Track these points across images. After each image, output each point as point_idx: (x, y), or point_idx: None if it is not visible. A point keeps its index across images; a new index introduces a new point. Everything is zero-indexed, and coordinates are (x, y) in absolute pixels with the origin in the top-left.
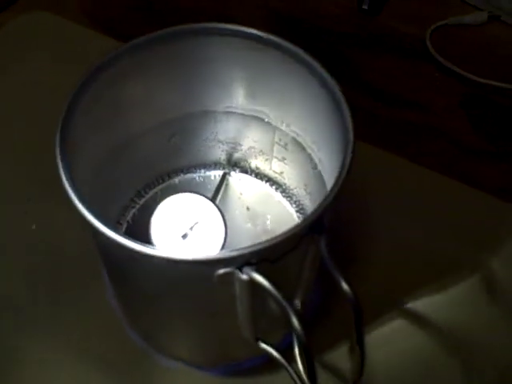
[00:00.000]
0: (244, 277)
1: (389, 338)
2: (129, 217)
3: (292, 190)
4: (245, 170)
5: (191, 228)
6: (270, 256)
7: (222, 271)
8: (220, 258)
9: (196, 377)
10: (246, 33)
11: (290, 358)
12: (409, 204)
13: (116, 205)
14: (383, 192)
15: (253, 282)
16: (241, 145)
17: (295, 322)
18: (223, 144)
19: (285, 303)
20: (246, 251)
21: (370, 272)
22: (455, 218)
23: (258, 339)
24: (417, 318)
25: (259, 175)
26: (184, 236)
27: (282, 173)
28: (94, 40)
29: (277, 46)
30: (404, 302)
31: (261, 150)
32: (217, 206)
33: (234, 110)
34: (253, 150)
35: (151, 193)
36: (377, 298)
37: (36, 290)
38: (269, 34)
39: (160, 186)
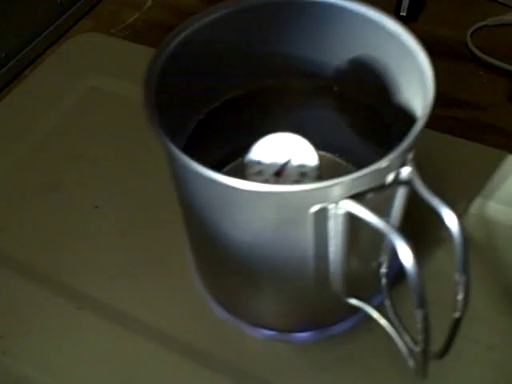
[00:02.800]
0: (341, 211)
1: None
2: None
3: None
4: None
5: (285, 165)
6: (365, 188)
7: (318, 206)
8: (319, 187)
9: (282, 346)
10: None
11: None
12: None
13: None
14: None
15: (350, 216)
16: None
17: (405, 251)
18: None
19: (393, 231)
20: (344, 180)
21: None
22: None
23: (348, 296)
24: None
25: None
26: (277, 174)
27: None
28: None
29: None
30: None
31: None
32: (310, 144)
33: None
34: None
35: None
36: None
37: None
38: None
39: None
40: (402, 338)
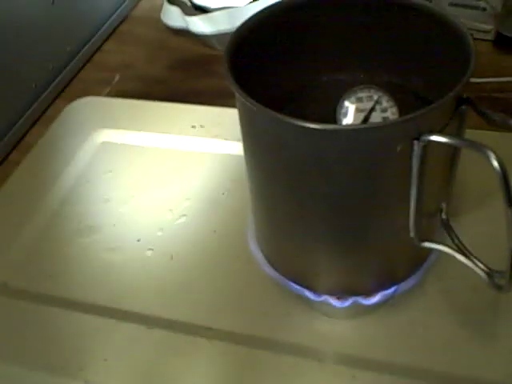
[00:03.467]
0: (427, 143)
1: None
2: None
3: None
4: None
5: (369, 114)
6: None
7: (406, 141)
8: (404, 120)
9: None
10: None
11: None
12: None
13: None
14: None
15: (433, 149)
16: None
17: (493, 155)
18: None
19: (478, 144)
20: (427, 110)
21: None
22: None
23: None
24: None
25: None
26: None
27: None
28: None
29: None
30: None
31: None
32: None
33: None
34: None
35: None
36: None
37: None
38: None
39: None
40: (478, 266)
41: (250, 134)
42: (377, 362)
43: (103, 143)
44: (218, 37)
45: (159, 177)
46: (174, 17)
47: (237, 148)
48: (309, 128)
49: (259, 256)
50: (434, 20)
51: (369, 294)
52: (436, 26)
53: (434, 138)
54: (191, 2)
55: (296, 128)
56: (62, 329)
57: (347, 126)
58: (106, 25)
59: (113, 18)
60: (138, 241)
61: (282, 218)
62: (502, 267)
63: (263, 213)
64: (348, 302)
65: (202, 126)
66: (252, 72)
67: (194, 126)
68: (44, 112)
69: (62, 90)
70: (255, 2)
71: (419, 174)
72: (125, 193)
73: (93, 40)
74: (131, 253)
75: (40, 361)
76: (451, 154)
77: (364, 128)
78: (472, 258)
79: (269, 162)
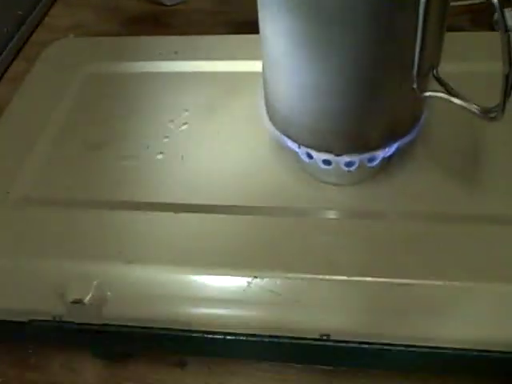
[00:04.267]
0: None
1: None
2: None
3: None
4: None
5: None
6: None
7: None
8: None
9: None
10: None
11: None
12: None
13: None
14: None
15: None
16: None
17: None
18: None
19: None
20: None
21: None
22: None
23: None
24: None
25: None
26: None
27: None
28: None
29: None
30: None
31: None
32: None
33: None
34: None
35: None
36: None
37: None
38: None
39: None
40: (473, 106)
41: None
42: (384, 213)
43: (92, 74)
44: None
45: (153, 97)
46: None
47: (219, 66)
48: None
49: (272, 129)
50: None
51: (374, 150)
52: None
53: None
54: None
55: None
56: (97, 224)
57: None
58: None
59: None
60: (148, 148)
61: (291, 75)
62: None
63: (273, 74)
64: (355, 166)
65: (183, 52)
66: None
67: (176, 52)
68: (5, 72)
69: (18, 53)
70: None
71: (425, 19)
72: (123, 111)
73: (41, 4)
74: (143, 158)
75: (81, 252)
76: (444, 8)
77: None
78: (465, 100)
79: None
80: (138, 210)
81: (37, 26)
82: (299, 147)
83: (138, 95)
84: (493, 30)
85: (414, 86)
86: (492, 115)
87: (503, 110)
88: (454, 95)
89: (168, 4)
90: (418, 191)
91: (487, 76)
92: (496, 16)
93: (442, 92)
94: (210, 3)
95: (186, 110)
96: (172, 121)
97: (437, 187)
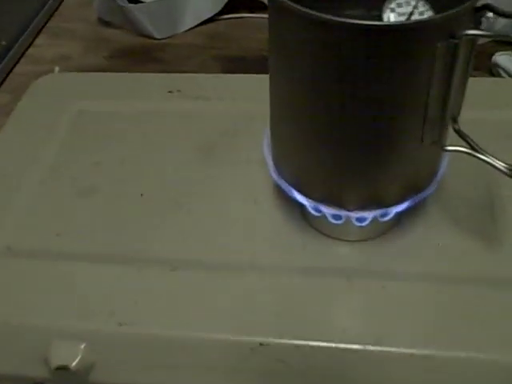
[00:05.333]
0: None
1: None
2: None
3: None
4: None
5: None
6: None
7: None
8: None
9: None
10: None
11: None
12: None
13: None
14: None
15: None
16: None
17: None
18: None
19: None
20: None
21: None
22: None
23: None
24: None
25: None
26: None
27: None
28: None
29: None
30: None
31: None
32: None
33: None
34: None
35: None
36: None
37: None
38: None
39: None
40: (497, 162)
41: (281, 39)
42: (397, 272)
43: (81, 112)
44: (156, 25)
45: (145, 138)
46: (107, 9)
47: (216, 107)
48: (356, 24)
49: (278, 180)
50: None
51: (390, 206)
52: None
53: (473, 32)
54: None
55: (339, 25)
56: (86, 280)
57: (392, 22)
58: (37, 19)
59: (42, 12)
60: (142, 195)
61: (305, 126)
62: None
63: (286, 128)
64: (367, 221)
65: (178, 91)
66: None
67: (171, 92)
68: None
69: (1, 85)
70: None
71: (450, 74)
72: (114, 153)
73: (25, 34)
74: (137, 206)
75: (68, 311)
76: (469, 60)
77: (409, 23)
78: (489, 155)
79: (299, 64)
80: (131, 265)
81: (21, 57)
82: (307, 200)
83: (129, 136)
84: (491, 74)
85: (435, 139)
86: None
87: None
88: (476, 150)
89: (158, 37)
90: (433, 249)
91: (490, 123)
92: (493, 59)
93: (465, 147)
94: (201, 37)
95: (182, 152)
96: (164, 165)
97: (453, 245)
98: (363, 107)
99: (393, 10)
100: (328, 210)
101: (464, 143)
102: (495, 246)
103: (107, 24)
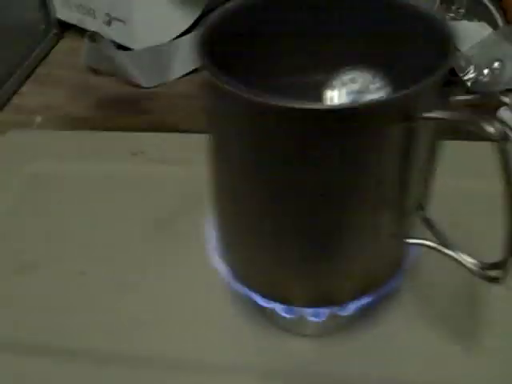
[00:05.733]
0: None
1: None
2: None
3: None
4: None
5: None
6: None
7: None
8: (400, 96)
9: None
10: None
11: None
12: None
13: None
14: None
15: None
16: None
17: None
18: None
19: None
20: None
21: None
22: None
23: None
24: None
25: None
26: None
27: None
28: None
29: None
30: None
31: None
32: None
33: None
34: None
35: None
36: None
37: None
38: None
39: None
40: (467, 260)
41: (220, 122)
42: (361, 375)
43: (32, 175)
44: (144, 73)
45: (99, 207)
46: (96, 56)
47: (180, 172)
48: (297, 109)
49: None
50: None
51: (346, 303)
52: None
53: (432, 115)
54: (114, 42)
55: (279, 110)
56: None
57: (330, 105)
58: (24, 66)
59: (29, 60)
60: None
61: (252, 218)
62: (488, 260)
63: (228, 217)
64: (324, 316)
65: (142, 152)
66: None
67: (134, 153)
68: None
69: None
70: (180, 39)
71: (406, 159)
72: (65, 223)
73: (9, 82)
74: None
75: None
76: (433, 143)
77: (359, 106)
78: (458, 252)
79: (243, 151)
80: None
81: (4, 105)
82: (254, 293)
83: (82, 204)
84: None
85: (396, 230)
86: (492, 274)
87: (506, 268)
88: (444, 244)
89: (146, 86)
90: (404, 347)
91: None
92: (498, 114)
93: (430, 240)
94: (191, 86)
95: (134, 226)
96: (113, 239)
97: (423, 346)
98: (303, 195)
99: (344, 85)
100: (275, 305)
101: (430, 235)
102: (473, 348)
103: (95, 72)
